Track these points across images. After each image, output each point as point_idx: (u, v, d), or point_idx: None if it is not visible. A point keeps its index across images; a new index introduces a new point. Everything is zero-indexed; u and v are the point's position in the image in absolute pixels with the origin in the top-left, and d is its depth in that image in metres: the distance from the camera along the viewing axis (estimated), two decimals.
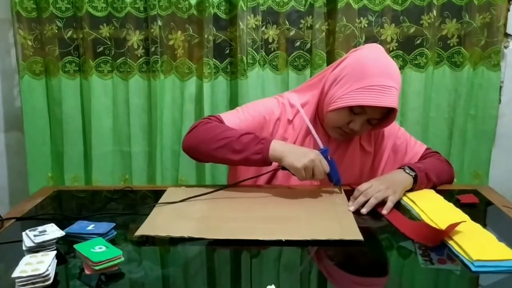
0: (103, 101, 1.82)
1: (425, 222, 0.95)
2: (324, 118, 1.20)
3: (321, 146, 1.17)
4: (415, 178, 1.13)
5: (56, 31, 1.77)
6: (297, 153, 1.08)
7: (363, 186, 1.07)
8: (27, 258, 0.74)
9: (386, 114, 1.17)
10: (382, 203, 1.04)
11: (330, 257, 0.85)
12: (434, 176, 1.17)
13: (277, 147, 1.09)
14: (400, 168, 1.16)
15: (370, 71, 1.10)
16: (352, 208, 1.03)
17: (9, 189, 2.00)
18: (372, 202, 1.03)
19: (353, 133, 1.18)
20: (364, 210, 1.02)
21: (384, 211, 1.01)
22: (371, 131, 1.24)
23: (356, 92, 1.10)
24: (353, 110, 1.14)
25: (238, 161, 1.12)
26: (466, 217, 0.96)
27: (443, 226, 0.89)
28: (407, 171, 1.13)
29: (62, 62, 1.80)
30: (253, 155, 1.09)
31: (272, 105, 1.25)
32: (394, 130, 1.30)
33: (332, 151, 1.24)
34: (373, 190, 1.05)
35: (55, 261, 0.75)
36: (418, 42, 1.74)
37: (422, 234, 0.88)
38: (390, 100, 1.09)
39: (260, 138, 1.11)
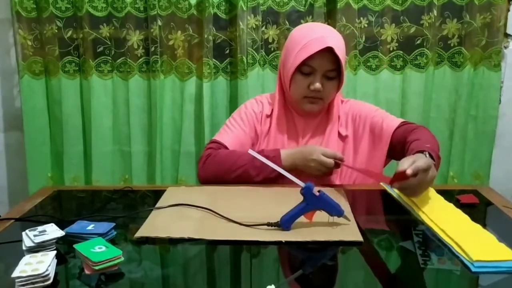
0: (103, 101, 1.82)
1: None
2: (292, 100, 1.29)
3: (302, 185, 0.93)
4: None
5: (56, 31, 1.77)
6: (301, 158, 1.19)
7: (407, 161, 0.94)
8: (27, 258, 0.74)
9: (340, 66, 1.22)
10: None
11: (330, 258, 0.85)
12: (439, 152, 1.12)
13: (285, 158, 1.20)
14: (419, 152, 1.04)
15: (300, 35, 1.23)
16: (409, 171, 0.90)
17: (9, 189, 2.00)
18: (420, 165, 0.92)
19: (320, 95, 1.24)
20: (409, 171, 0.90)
21: (409, 171, 0.90)
22: (339, 90, 1.27)
23: (296, 55, 1.21)
24: (303, 72, 1.22)
25: (260, 182, 1.21)
26: (466, 217, 0.96)
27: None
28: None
29: (62, 62, 1.80)
30: (270, 174, 1.19)
31: (252, 107, 1.37)
32: (371, 111, 1.32)
33: (308, 139, 1.30)
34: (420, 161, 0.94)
35: (55, 261, 0.75)
36: (418, 42, 1.74)
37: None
38: (323, 44, 1.17)
39: (266, 155, 1.15)
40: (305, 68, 1.21)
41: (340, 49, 1.20)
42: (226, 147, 1.28)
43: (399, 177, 0.91)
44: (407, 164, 0.91)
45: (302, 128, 1.32)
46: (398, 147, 1.21)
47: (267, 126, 1.34)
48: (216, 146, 1.28)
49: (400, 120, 1.28)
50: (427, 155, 1.02)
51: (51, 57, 1.78)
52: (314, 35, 1.20)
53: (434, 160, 1.02)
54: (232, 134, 1.32)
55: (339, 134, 1.31)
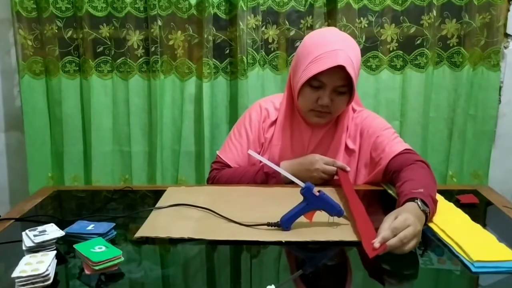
0: (103, 101, 1.82)
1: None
2: (299, 108, 1.25)
3: (302, 185, 0.93)
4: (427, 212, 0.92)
5: (56, 31, 1.77)
6: (303, 170, 1.19)
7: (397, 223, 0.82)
8: (27, 258, 0.74)
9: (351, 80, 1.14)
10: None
11: (329, 258, 0.85)
12: (434, 195, 0.98)
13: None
14: (410, 200, 0.93)
15: (313, 45, 1.17)
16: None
17: (9, 189, 2.00)
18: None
19: (328, 109, 1.19)
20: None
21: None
22: (349, 105, 1.23)
23: (306, 68, 1.15)
24: (313, 86, 1.17)
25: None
26: (466, 217, 0.96)
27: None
28: (422, 208, 0.90)
29: (62, 62, 1.80)
30: (275, 185, 1.22)
31: (257, 117, 1.33)
32: (379, 129, 1.25)
33: (314, 149, 1.27)
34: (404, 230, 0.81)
35: (55, 261, 0.75)
36: (418, 42, 1.74)
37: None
38: (335, 61, 1.11)
39: (266, 171, 1.23)
40: (314, 82, 1.16)
41: (353, 66, 1.13)
42: (229, 166, 1.31)
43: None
44: (386, 227, 0.81)
45: (309, 138, 1.28)
46: (391, 176, 1.14)
47: (270, 134, 1.31)
48: (220, 167, 1.32)
49: (404, 146, 1.19)
50: (419, 203, 0.90)
51: (51, 57, 1.78)
52: (327, 48, 1.13)
53: (428, 206, 0.90)
54: (235, 151, 1.32)
55: (347, 147, 1.27)
